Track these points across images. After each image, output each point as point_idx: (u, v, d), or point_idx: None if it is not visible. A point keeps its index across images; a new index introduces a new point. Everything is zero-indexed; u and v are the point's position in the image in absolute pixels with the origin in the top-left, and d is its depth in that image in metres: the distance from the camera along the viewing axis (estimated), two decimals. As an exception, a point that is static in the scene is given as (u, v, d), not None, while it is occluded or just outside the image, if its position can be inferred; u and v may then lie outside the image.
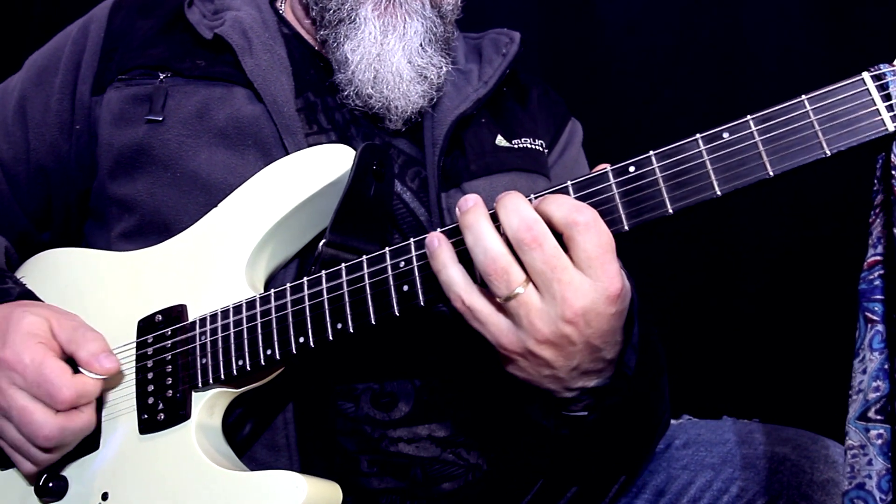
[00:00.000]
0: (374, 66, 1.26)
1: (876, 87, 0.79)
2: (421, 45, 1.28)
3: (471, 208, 0.88)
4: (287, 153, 1.19)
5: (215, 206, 1.17)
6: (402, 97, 1.26)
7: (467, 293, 0.88)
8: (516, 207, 0.85)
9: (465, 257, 0.89)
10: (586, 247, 0.83)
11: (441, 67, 1.31)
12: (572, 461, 1.16)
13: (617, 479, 1.27)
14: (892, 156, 0.79)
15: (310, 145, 1.21)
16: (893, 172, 0.78)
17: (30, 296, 1.18)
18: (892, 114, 0.78)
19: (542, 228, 0.84)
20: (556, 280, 0.83)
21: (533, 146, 1.38)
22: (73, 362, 1.06)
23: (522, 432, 1.19)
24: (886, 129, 0.78)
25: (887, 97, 0.78)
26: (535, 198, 0.89)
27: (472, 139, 1.32)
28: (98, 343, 1.07)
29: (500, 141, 1.35)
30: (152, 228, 1.22)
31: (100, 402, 1.12)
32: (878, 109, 0.79)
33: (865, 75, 0.80)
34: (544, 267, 0.83)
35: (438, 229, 0.96)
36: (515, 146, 1.36)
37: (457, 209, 0.89)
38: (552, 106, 1.50)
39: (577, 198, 0.89)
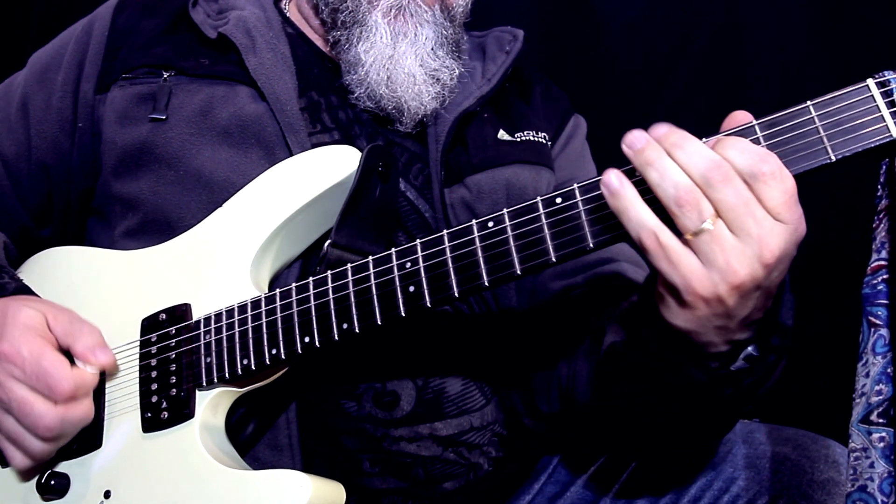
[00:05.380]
0: (387, 66, 1.26)
1: (880, 93, 0.79)
2: (433, 48, 1.28)
3: (646, 145, 0.81)
4: (290, 152, 1.20)
5: (218, 204, 1.17)
6: (415, 98, 1.27)
7: (661, 230, 0.81)
8: (696, 148, 0.80)
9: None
10: (773, 195, 0.78)
11: (454, 70, 1.32)
12: (707, 421, 1.08)
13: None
14: (897, 161, 0.79)
15: (313, 144, 1.21)
16: (898, 178, 0.79)
17: (26, 291, 1.18)
18: (896, 120, 0.79)
19: (729, 167, 0.78)
20: (751, 216, 0.77)
21: (536, 138, 1.38)
22: (69, 356, 1.07)
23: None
24: (891, 136, 0.78)
25: (892, 104, 0.78)
26: (706, 141, 0.83)
27: (474, 135, 1.33)
28: (94, 336, 1.09)
29: (503, 135, 1.35)
30: (156, 227, 1.22)
31: (103, 400, 1.12)
32: (882, 116, 0.78)
33: (870, 82, 0.80)
34: (737, 201, 0.78)
35: (444, 229, 0.96)
36: (518, 139, 1.36)
37: (626, 149, 0.83)
38: (555, 101, 1.50)
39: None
